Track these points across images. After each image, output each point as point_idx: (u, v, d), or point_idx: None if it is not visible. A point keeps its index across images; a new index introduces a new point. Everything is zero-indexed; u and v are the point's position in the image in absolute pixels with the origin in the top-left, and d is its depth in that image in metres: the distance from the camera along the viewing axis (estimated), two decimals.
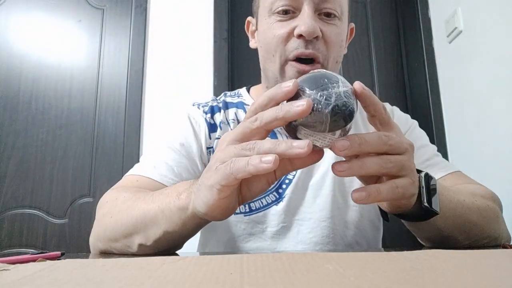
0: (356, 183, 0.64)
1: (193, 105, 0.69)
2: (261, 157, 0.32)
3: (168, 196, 0.44)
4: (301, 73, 0.57)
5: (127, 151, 1.52)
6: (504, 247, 0.47)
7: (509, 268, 0.21)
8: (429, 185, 0.41)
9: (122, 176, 0.62)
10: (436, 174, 0.61)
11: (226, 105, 0.69)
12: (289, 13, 0.58)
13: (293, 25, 0.57)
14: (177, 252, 0.50)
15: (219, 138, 0.64)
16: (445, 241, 0.47)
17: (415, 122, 0.74)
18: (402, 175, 0.36)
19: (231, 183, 0.35)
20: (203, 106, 0.68)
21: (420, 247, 0.52)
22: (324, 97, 0.31)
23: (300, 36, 0.56)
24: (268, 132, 0.36)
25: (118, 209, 0.49)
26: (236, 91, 0.74)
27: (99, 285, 0.18)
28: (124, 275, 0.20)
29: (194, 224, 0.43)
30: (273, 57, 0.59)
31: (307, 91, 0.32)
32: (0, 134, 1.51)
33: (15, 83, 1.56)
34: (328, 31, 0.58)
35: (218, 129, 0.65)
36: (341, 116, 0.31)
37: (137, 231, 0.45)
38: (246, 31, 0.71)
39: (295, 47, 0.57)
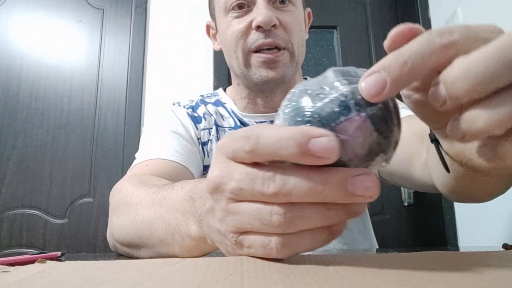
0: None
1: (173, 104, 0.71)
2: (330, 229, 0.22)
3: (175, 219, 0.35)
4: (267, 62, 0.58)
5: (127, 152, 1.52)
6: (505, 247, 0.47)
7: (510, 269, 0.21)
8: None
9: (122, 176, 0.61)
10: None
11: (205, 102, 0.71)
12: (243, 7, 0.59)
13: (250, 19, 0.58)
14: None
15: (205, 129, 0.66)
16: None
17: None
18: None
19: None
20: (183, 105, 0.70)
21: (420, 247, 0.52)
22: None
23: (258, 27, 0.57)
24: None
25: (122, 209, 0.45)
26: (212, 92, 0.76)
27: (99, 286, 0.18)
28: (124, 277, 0.20)
29: (210, 249, 0.35)
30: (235, 53, 0.60)
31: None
32: (0, 134, 1.51)
33: (15, 83, 1.56)
34: (285, 17, 0.59)
35: (203, 120, 0.67)
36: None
37: (144, 245, 0.40)
38: (208, 35, 0.72)
39: (255, 39, 0.58)
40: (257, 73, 0.59)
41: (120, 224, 0.44)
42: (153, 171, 0.54)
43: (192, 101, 0.72)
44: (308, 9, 0.70)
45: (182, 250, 0.35)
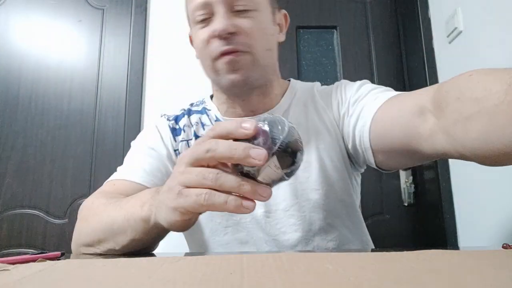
0: (313, 167, 0.64)
1: (161, 116, 0.75)
2: (242, 201, 0.34)
3: (133, 207, 0.46)
4: (230, 63, 0.60)
5: (127, 152, 1.52)
6: (505, 247, 0.47)
7: (510, 268, 0.21)
8: None
9: None
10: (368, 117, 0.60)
11: (189, 112, 0.74)
12: (207, 18, 0.62)
13: (212, 29, 0.61)
14: (175, 252, 0.50)
15: (183, 141, 0.69)
16: None
17: (341, 82, 0.72)
18: None
19: (199, 210, 0.36)
20: (169, 117, 0.74)
21: (420, 247, 0.52)
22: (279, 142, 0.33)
23: (217, 35, 0.60)
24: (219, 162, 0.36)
25: (91, 214, 0.53)
26: (201, 99, 0.78)
27: (99, 285, 0.18)
28: (124, 275, 0.20)
29: (157, 234, 0.45)
30: (206, 60, 0.64)
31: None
32: (0, 134, 1.51)
33: (15, 83, 1.56)
34: (246, 24, 0.61)
35: (182, 132, 0.70)
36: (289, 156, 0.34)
37: (106, 238, 0.48)
38: (191, 46, 0.74)
39: (217, 46, 0.60)
40: (223, 78, 0.62)
41: (87, 228, 0.52)
42: (119, 192, 0.61)
43: (183, 109, 0.75)
44: (283, 11, 0.71)
45: (133, 233, 0.45)
